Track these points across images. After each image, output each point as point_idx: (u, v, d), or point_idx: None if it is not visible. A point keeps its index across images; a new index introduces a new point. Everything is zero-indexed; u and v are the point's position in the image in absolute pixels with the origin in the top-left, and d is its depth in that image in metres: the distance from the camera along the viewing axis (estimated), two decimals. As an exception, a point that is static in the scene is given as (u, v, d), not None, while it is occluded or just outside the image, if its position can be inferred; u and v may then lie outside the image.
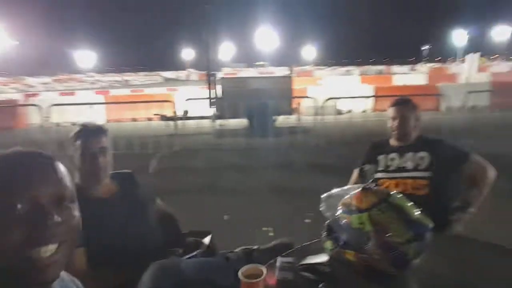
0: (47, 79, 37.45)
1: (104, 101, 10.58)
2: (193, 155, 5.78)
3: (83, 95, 14.22)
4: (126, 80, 40.51)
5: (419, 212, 1.14)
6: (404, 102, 2.07)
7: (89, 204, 0.97)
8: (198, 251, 1.45)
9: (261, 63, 49.21)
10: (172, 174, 5.42)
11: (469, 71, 7.05)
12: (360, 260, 1.12)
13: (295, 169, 5.43)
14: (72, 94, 15.55)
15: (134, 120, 8.64)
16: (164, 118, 7.94)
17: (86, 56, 54.89)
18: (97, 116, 9.55)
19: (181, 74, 47.61)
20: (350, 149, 5.57)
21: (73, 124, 8.65)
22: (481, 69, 17.40)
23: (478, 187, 1.91)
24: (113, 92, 16.23)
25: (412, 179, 1.93)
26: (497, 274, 1.19)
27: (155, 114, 7.99)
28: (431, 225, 1.11)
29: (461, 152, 1.99)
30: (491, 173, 1.94)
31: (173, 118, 7.61)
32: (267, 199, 4.33)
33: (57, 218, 0.63)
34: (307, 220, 3.22)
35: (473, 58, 7.07)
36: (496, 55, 43.98)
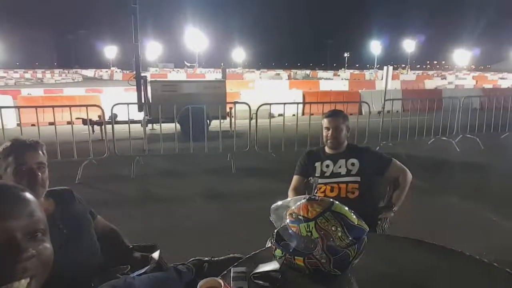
0: None
1: (14, 104, 9.50)
2: (125, 162, 5.50)
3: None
4: (39, 79, 36.68)
5: (357, 217, 1.28)
6: (337, 114, 2.26)
7: None
8: (148, 267, 1.42)
9: (190, 64, 48.40)
10: (103, 183, 5.11)
11: (385, 80, 7.88)
12: (308, 265, 1.21)
13: (230, 174, 5.49)
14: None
15: (52, 124, 7.84)
16: (89, 122, 7.40)
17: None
18: (5, 119, 8.50)
19: (104, 73, 44.65)
20: (284, 152, 5.82)
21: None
22: (393, 77, 19.46)
23: (399, 188, 2.18)
24: (26, 92, 14.57)
25: (345, 183, 2.12)
26: (418, 266, 1.38)
27: (77, 118, 7.40)
28: (367, 228, 1.26)
29: (384, 158, 2.25)
30: (409, 175, 2.22)
31: (99, 123, 7.14)
32: (205, 205, 4.33)
33: (30, 252, 0.60)
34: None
35: (388, 69, 7.95)
36: (406, 65, 49.39)
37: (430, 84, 23.11)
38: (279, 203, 1.39)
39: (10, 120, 8.40)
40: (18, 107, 7.94)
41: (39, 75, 39.16)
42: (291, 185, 2.28)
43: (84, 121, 7.11)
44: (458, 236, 3.11)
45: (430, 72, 48.19)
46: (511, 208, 4.05)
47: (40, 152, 1.41)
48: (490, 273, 1.31)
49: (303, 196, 1.34)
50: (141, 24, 8.15)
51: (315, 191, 1.32)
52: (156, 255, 1.48)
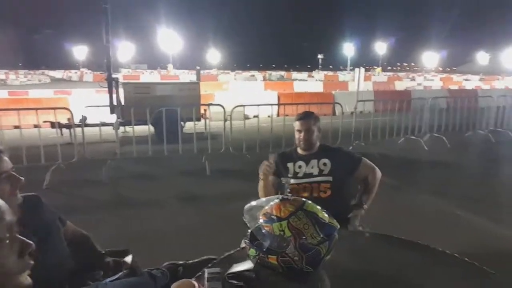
0: None
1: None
2: (96, 166, 5.36)
3: None
4: (2, 80, 34.92)
5: (328, 214, 1.31)
6: (308, 116, 2.31)
7: None
8: (122, 272, 1.40)
9: (165, 65, 47.73)
10: (73, 188, 4.95)
11: (357, 81, 8.09)
12: (282, 263, 1.24)
13: (205, 176, 5.46)
14: None
15: (17, 127, 7.49)
16: (57, 125, 7.16)
17: None
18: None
19: (73, 74, 43.12)
20: (259, 154, 5.85)
21: None
22: (366, 78, 19.99)
23: (369, 186, 2.25)
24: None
25: (318, 183, 2.17)
26: (388, 260, 1.44)
27: (44, 121, 7.12)
28: (338, 226, 1.29)
29: (355, 158, 2.31)
30: (378, 173, 2.30)
31: (69, 126, 6.91)
32: (180, 208, 4.29)
33: (32, 245, 0.71)
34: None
35: (360, 71, 8.15)
36: (378, 67, 50.83)
37: (400, 85, 23.94)
38: (253, 203, 1.41)
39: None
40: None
41: (2, 77, 37.30)
42: (260, 184, 2.30)
43: (53, 124, 6.87)
44: (426, 231, 3.22)
45: (400, 74, 49.84)
46: (474, 203, 4.27)
47: (6, 157, 1.36)
48: (452, 263, 1.39)
49: (276, 196, 1.36)
50: (113, 24, 7.98)
51: (287, 191, 1.34)
52: (128, 259, 1.46)
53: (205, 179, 5.36)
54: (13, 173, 1.32)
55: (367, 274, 1.33)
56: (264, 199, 1.43)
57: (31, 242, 0.70)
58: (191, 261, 1.65)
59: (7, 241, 0.67)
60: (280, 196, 1.32)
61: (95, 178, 5.17)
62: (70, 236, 1.59)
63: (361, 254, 1.49)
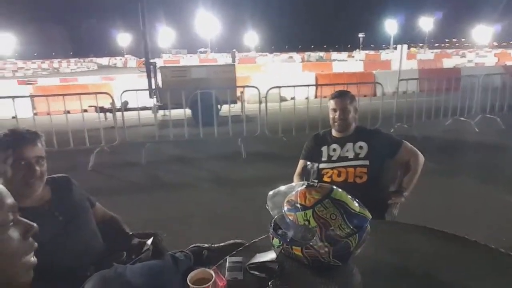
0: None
1: (32, 93, 9.62)
2: (136, 149, 5.53)
3: (3, 85, 12.70)
4: (56, 68, 37.17)
5: (359, 204, 1.19)
6: (344, 95, 2.16)
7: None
8: (142, 253, 1.40)
9: (203, 49, 48.23)
10: (114, 170, 5.15)
11: (400, 59, 7.58)
12: (307, 255, 1.15)
13: (241, 159, 5.45)
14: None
15: (67, 112, 7.91)
16: (101, 109, 7.46)
17: (5, 40, 48.53)
18: (22, 109, 8.65)
19: (118, 60, 44.87)
20: (295, 136, 5.72)
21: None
22: (409, 57, 18.82)
23: (410, 172, 2.07)
24: (42, 81, 14.80)
25: (353, 167, 2.03)
26: (426, 256, 1.30)
27: (90, 106, 7.45)
28: (370, 216, 1.18)
29: (394, 141, 2.14)
30: (421, 158, 2.11)
31: (111, 110, 7.18)
32: (215, 191, 4.31)
33: None
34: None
35: (403, 48, 7.59)
36: (423, 44, 47.79)
37: (449, 63, 22.25)
38: (281, 188, 1.32)
39: (25, 110, 8.56)
40: (30, 96, 8.07)
41: (56, 65, 39.66)
42: (296, 170, 2.21)
43: (97, 109, 7.18)
44: (474, 220, 3.00)
45: (449, 51, 46.50)
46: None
47: (39, 144, 1.39)
48: (502, 262, 1.22)
49: (302, 182, 1.27)
50: (154, 11, 8.17)
51: (314, 177, 1.24)
52: (149, 241, 1.45)
53: (240, 162, 5.34)
54: (33, 163, 1.33)
55: (403, 271, 1.20)
56: (292, 184, 1.34)
57: (33, 224, 0.68)
58: (216, 245, 1.61)
59: (11, 224, 0.65)
60: (306, 182, 1.22)
61: (135, 160, 5.34)
62: (99, 218, 1.62)
63: (397, 248, 1.36)
